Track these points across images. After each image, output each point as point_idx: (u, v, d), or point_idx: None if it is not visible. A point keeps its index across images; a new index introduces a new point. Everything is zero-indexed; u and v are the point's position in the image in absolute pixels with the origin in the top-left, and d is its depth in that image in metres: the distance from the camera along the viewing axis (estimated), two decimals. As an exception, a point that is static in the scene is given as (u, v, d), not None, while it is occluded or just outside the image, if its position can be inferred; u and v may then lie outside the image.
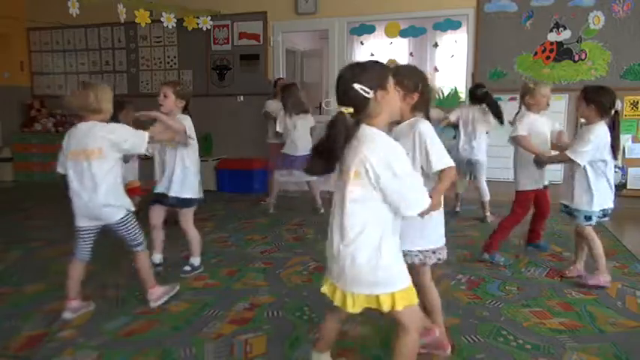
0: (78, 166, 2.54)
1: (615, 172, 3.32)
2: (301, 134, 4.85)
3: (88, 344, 2.37)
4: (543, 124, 3.40)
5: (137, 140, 2.61)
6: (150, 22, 5.44)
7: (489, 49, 5.51)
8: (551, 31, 5.34)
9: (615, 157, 3.03)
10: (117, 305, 2.83)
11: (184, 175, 3.10)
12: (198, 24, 6.02)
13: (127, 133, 2.61)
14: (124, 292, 3.00)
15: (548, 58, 5.38)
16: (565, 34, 5.30)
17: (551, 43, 5.35)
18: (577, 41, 5.28)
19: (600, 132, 2.92)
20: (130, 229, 2.67)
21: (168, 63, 6.82)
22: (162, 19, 5.75)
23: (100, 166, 2.52)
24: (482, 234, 4.20)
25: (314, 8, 6.01)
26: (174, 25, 5.84)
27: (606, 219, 3.14)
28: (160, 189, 3.15)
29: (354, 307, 1.76)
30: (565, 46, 5.32)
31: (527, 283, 3.11)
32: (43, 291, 3.04)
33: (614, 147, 2.98)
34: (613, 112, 2.95)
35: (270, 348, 2.32)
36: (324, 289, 1.85)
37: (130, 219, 2.67)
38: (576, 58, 5.30)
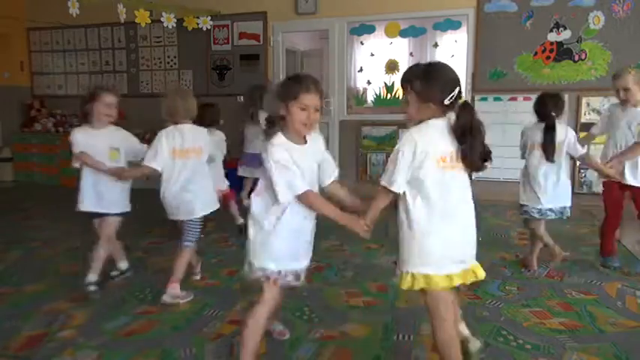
0: (180, 164, 2.82)
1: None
2: (249, 133, 5.07)
3: (88, 344, 2.37)
4: (620, 120, 3.29)
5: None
6: (150, 22, 5.43)
7: (489, 49, 5.50)
8: (551, 31, 5.34)
9: (548, 158, 3.13)
10: (117, 305, 2.83)
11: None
12: (198, 24, 6.02)
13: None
14: (124, 292, 3.00)
15: (548, 58, 5.37)
16: (565, 34, 5.30)
17: (551, 43, 5.35)
18: (577, 41, 5.28)
19: (525, 132, 3.30)
20: (194, 229, 2.92)
21: (168, 63, 6.82)
22: (162, 19, 5.74)
23: (197, 164, 2.88)
24: (481, 233, 4.20)
25: (314, 8, 6.01)
26: (174, 25, 5.83)
27: (550, 217, 3.26)
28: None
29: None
30: (565, 46, 5.31)
31: (527, 283, 3.11)
32: (43, 291, 3.04)
33: (546, 149, 3.12)
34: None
35: (270, 348, 2.32)
36: (458, 281, 1.83)
37: (198, 221, 2.93)
38: (576, 58, 5.30)
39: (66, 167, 6.82)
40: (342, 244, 3.99)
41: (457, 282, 1.82)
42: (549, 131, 3.10)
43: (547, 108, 3.12)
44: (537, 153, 3.17)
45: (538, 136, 3.16)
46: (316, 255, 3.62)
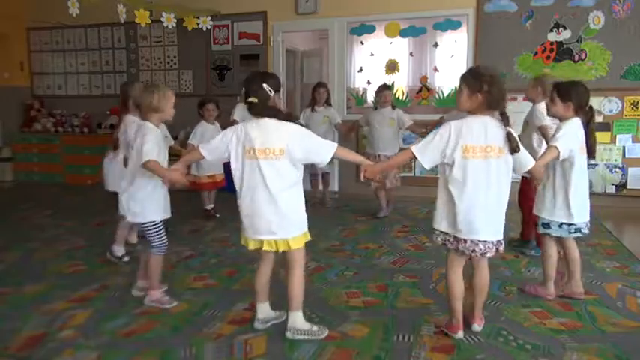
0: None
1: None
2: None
3: (88, 344, 2.37)
4: None
5: None
6: (150, 22, 5.43)
7: (489, 49, 5.50)
8: (551, 31, 5.34)
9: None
10: (117, 305, 2.83)
11: None
12: (198, 24, 6.02)
13: None
14: (124, 292, 3.00)
15: (548, 58, 5.37)
16: (565, 34, 5.30)
17: (551, 43, 5.35)
18: (577, 41, 5.28)
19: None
20: None
21: (168, 63, 6.82)
22: (162, 19, 5.74)
23: None
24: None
25: (314, 8, 6.01)
26: (174, 25, 5.83)
27: None
28: None
29: None
30: (565, 46, 5.31)
31: (528, 284, 3.10)
32: (43, 291, 3.04)
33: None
34: None
35: (270, 348, 2.33)
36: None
37: None
38: (576, 58, 5.30)
39: (70, 165, 6.90)
40: (342, 244, 4.00)
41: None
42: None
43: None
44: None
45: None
46: (316, 255, 3.65)
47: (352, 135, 5.50)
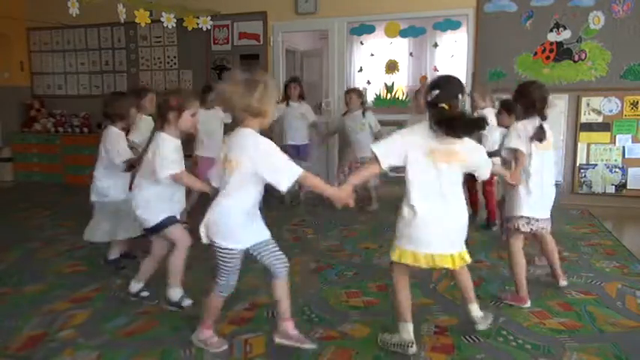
0: None
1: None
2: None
3: (88, 344, 2.37)
4: None
5: None
6: (150, 22, 5.43)
7: (489, 49, 5.50)
8: (551, 31, 5.34)
9: None
10: (117, 305, 2.83)
11: None
12: (198, 24, 6.02)
13: None
14: (124, 293, 2.99)
15: (548, 58, 5.37)
16: (565, 34, 5.30)
17: (551, 43, 5.35)
18: (577, 41, 5.28)
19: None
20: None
21: (168, 63, 6.82)
22: (162, 19, 5.74)
23: None
24: (482, 234, 4.20)
25: (314, 8, 6.01)
26: (174, 25, 5.83)
27: None
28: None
29: None
30: (565, 46, 5.31)
31: (527, 283, 3.10)
32: (43, 291, 3.04)
33: None
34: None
35: (270, 348, 2.33)
36: None
37: None
38: (576, 58, 5.30)
39: (70, 165, 6.89)
40: (342, 244, 4.00)
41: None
42: None
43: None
44: None
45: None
46: (316, 255, 3.65)
47: (328, 142, 5.82)
